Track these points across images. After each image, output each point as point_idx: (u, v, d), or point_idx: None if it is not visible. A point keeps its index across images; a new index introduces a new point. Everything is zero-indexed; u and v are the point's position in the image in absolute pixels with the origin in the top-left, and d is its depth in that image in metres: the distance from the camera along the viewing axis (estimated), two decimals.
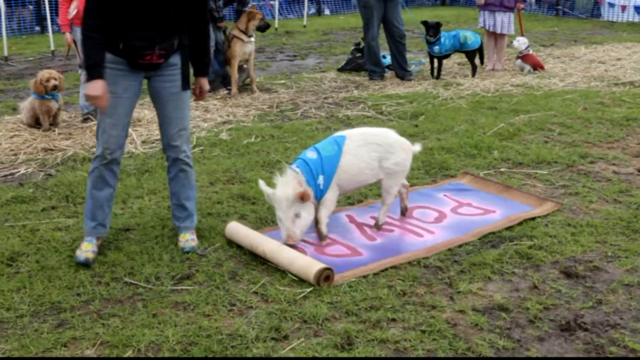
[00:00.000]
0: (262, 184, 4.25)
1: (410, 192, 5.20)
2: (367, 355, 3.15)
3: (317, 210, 4.34)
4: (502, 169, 5.78)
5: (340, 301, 3.64)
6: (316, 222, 4.37)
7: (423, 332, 3.36)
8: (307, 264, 3.84)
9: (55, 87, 6.96)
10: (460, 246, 4.34)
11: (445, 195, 5.20)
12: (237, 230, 4.35)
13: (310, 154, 4.33)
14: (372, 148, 4.41)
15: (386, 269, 4.01)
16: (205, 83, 4.44)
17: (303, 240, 4.38)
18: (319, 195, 4.28)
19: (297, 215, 4.15)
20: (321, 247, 4.32)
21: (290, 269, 3.90)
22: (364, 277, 3.92)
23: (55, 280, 3.88)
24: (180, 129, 4.28)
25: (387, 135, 4.54)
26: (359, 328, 3.38)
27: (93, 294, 3.74)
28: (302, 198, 4.09)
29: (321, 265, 3.79)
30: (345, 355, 3.16)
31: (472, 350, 3.22)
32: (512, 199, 5.07)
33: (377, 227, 4.59)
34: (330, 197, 4.35)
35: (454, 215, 4.85)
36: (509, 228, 4.59)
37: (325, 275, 3.78)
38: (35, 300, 3.67)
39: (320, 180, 4.23)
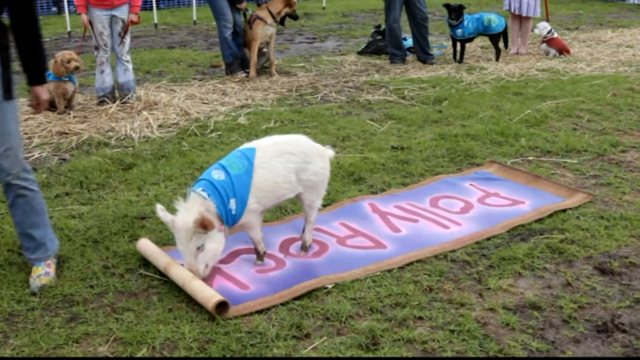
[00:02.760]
0: (159, 209, 3.51)
1: (435, 182, 5.03)
2: (393, 356, 2.99)
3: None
4: (530, 158, 5.57)
5: (364, 297, 3.47)
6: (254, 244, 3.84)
7: (452, 331, 3.19)
8: (206, 296, 3.35)
9: (76, 68, 6.82)
10: (488, 239, 4.15)
11: (471, 185, 5.00)
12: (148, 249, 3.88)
13: (216, 174, 3.62)
14: (287, 159, 3.76)
15: (411, 263, 3.84)
16: (42, 92, 3.58)
17: (324, 232, 4.21)
18: (231, 222, 3.62)
19: (200, 248, 3.49)
20: (343, 239, 4.15)
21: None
22: (389, 271, 3.75)
23: (68, 271, 3.75)
24: (6, 148, 3.47)
25: (300, 143, 3.88)
26: (384, 326, 3.21)
27: (107, 286, 3.60)
28: (204, 227, 3.41)
29: (215, 300, 3.28)
30: (370, 356, 2.99)
31: (504, 352, 3.05)
32: (542, 190, 4.87)
33: (305, 249, 3.99)
34: (251, 219, 3.70)
35: (481, 205, 4.66)
36: (538, 220, 4.39)
37: (219, 304, 3.29)
38: (47, 292, 3.54)
39: (232, 204, 3.58)
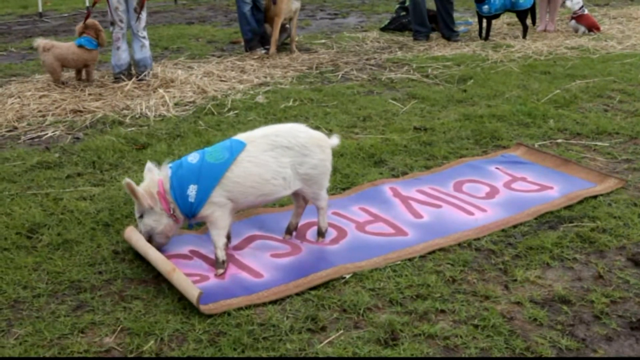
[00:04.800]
0: (127, 180, 3.41)
1: (460, 165, 4.83)
2: (413, 352, 2.82)
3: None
4: (559, 140, 5.34)
5: (383, 288, 3.30)
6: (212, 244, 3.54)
7: (475, 326, 3.01)
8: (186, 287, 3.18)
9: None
10: (514, 227, 3.95)
11: (497, 169, 4.79)
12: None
13: (191, 157, 3.49)
14: (281, 153, 3.49)
15: (434, 251, 3.66)
16: None
17: (343, 217, 4.04)
18: (189, 210, 3.42)
19: (140, 217, 3.49)
20: (363, 225, 3.98)
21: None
22: (410, 260, 3.57)
23: (76, 256, 3.61)
24: None
25: (296, 133, 3.57)
26: (404, 320, 3.04)
27: (115, 273, 3.46)
28: (133, 194, 3.37)
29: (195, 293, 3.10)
30: (389, 352, 2.83)
31: (532, 350, 2.86)
32: (571, 174, 4.65)
33: (322, 235, 3.80)
34: (214, 213, 3.43)
35: (508, 190, 4.46)
36: (568, 207, 4.18)
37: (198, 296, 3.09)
38: (54, 278, 3.41)
39: (191, 190, 3.38)
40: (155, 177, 3.46)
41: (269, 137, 3.54)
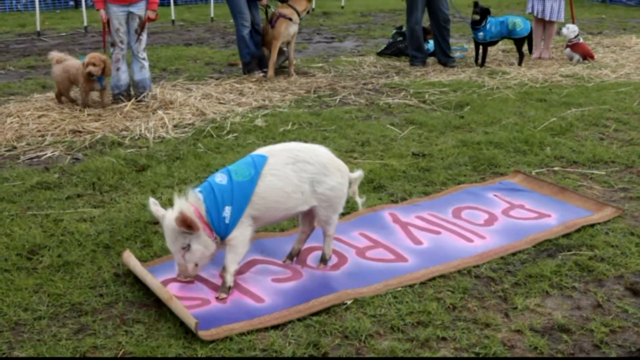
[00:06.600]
0: (152, 202, 3.37)
1: (458, 191, 4.86)
2: None
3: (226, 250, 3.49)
4: (556, 168, 5.38)
5: (384, 314, 3.31)
6: (223, 268, 3.52)
7: (477, 354, 3.02)
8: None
9: (90, 74, 6.69)
10: (513, 254, 3.98)
11: (495, 195, 4.83)
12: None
13: (219, 178, 3.43)
14: (302, 167, 3.50)
15: (434, 278, 3.68)
16: None
17: (343, 242, 4.06)
18: (224, 232, 3.38)
19: (185, 248, 3.34)
20: (363, 250, 4.00)
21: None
22: (410, 286, 3.59)
23: (77, 278, 3.61)
24: None
25: (318, 152, 3.61)
26: (406, 347, 3.05)
27: (117, 296, 3.46)
28: (187, 226, 3.25)
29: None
30: None
31: None
32: (569, 202, 4.69)
33: (324, 262, 3.79)
34: (240, 237, 3.42)
35: (506, 218, 4.49)
36: (566, 235, 4.21)
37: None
38: (55, 300, 3.41)
39: (227, 212, 3.35)
40: (187, 203, 3.35)
41: (292, 151, 3.56)
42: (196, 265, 3.41)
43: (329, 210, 3.64)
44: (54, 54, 7.03)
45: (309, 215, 3.70)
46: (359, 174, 3.83)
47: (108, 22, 6.95)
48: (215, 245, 3.40)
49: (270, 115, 6.78)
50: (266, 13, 8.63)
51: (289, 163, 3.50)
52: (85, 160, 5.42)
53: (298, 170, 3.50)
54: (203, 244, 3.35)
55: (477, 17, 9.16)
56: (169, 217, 3.30)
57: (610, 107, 7.15)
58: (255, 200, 3.41)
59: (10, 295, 3.44)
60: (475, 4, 9.30)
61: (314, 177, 3.53)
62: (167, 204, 4.42)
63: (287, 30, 8.45)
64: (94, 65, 6.66)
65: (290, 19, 8.42)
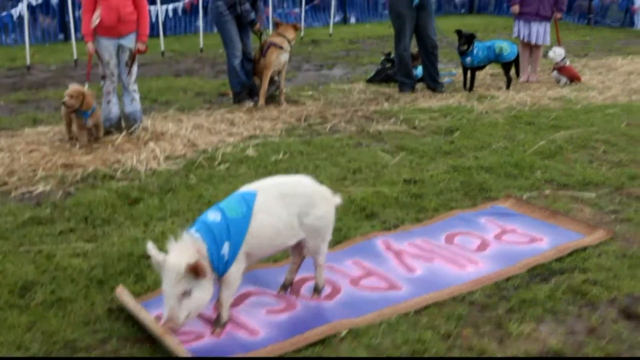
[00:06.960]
0: (151, 247, 3.23)
1: (450, 217, 4.88)
2: None
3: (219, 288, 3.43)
4: (547, 191, 5.41)
5: (379, 344, 3.31)
6: (218, 302, 3.47)
7: None
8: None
9: (64, 104, 6.63)
10: (507, 279, 3.99)
11: (487, 221, 4.85)
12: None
13: (212, 216, 3.37)
14: (290, 201, 3.51)
15: (428, 306, 3.68)
16: None
17: (336, 271, 4.06)
18: (223, 269, 3.31)
19: (186, 294, 3.15)
20: (357, 279, 4.00)
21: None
22: (404, 315, 3.59)
23: (71, 315, 3.60)
24: None
25: (303, 184, 3.65)
26: None
27: (110, 332, 3.45)
28: (197, 273, 3.12)
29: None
30: None
31: None
32: (560, 226, 4.71)
33: (318, 292, 3.80)
34: (234, 273, 3.37)
35: (498, 243, 4.51)
36: (558, 259, 4.23)
37: None
38: (48, 337, 3.39)
39: (225, 249, 3.29)
40: (195, 243, 3.25)
41: (277, 186, 3.58)
42: (188, 315, 3.18)
43: (317, 240, 3.66)
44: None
45: (299, 246, 3.70)
46: (339, 200, 3.77)
47: (97, 54, 6.96)
48: (212, 292, 3.29)
49: (262, 145, 6.80)
50: (260, 38, 8.67)
51: (278, 198, 3.50)
52: (77, 195, 5.42)
53: (286, 205, 3.51)
54: (205, 290, 3.20)
55: (465, 47, 9.27)
56: (171, 261, 3.14)
57: (598, 129, 7.21)
58: (249, 239, 3.38)
59: (3, 333, 3.42)
60: (459, 33, 9.40)
61: (301, 210, 3.54)
62: (161, 237, 4.45)
63: (279, 59, 8.50)
64: (70, 96, 6.60)
65: (281, 47, 8.48)
